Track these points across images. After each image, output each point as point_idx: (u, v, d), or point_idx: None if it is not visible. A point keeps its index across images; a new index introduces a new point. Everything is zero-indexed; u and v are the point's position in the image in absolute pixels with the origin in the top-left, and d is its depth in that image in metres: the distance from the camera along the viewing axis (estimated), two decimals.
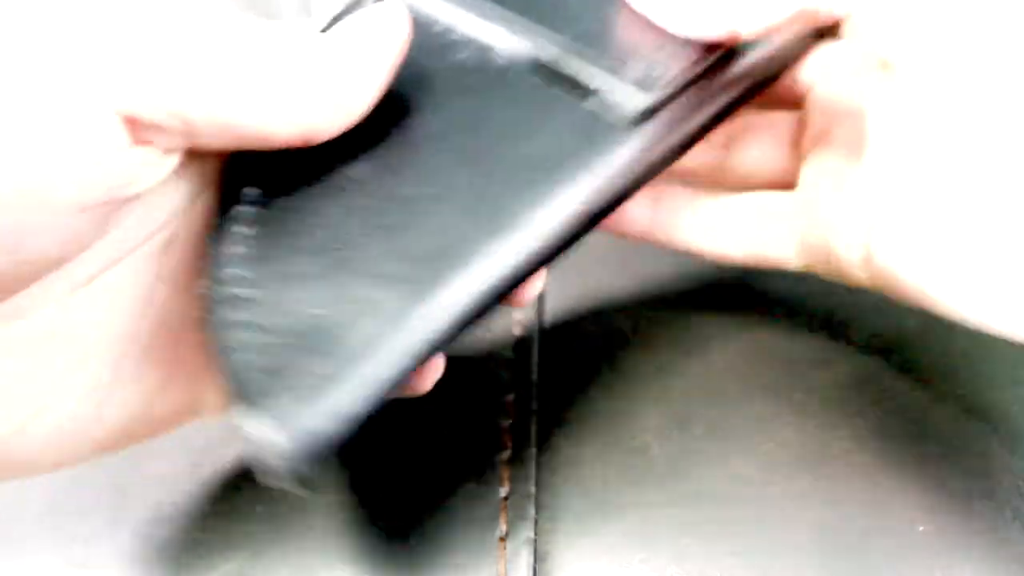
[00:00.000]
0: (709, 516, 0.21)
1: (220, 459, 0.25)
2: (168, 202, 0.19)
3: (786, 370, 0.24)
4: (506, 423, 0.24)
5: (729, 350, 0.25)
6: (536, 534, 0.21)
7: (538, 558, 0.20)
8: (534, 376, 0.25)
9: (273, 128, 0.17)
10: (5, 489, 0.24)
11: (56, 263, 0.17)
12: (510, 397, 0.24)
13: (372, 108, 0.19)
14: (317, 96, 0.18)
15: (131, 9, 0.17)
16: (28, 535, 0.23)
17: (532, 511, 0.21)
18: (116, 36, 0.16)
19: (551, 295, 0.27)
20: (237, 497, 0.23)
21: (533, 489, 0.22)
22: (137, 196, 0.17)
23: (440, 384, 0.25)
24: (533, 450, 0.23)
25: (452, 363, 0.26)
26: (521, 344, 0.26)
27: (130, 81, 0.16)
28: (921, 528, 0.20)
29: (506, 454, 0.23)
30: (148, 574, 0.21)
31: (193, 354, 0.20)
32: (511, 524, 0.21)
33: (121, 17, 0.16)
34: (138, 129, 0.16)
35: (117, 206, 0.17)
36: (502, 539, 0.21)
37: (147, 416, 0.20)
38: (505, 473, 0.22)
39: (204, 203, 0.20)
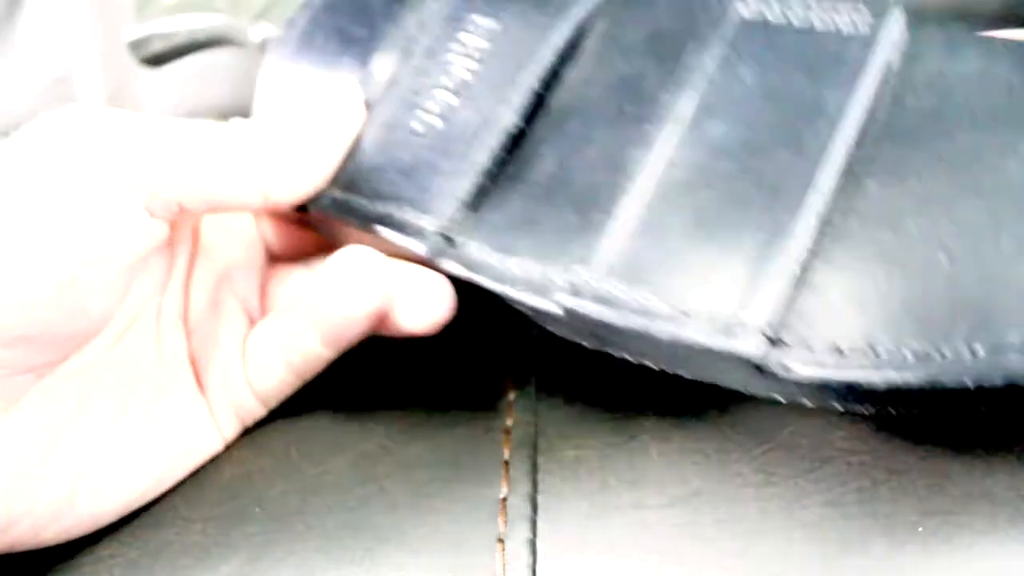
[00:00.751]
0: (709, 517, 0.21)
1: (219, 461, 0.25)
2: (161, 258, 0.25)
3: None
4: (505, 423, 0.24)
5: None
6: (535, 535, 0.21)
7: (537, 559, 0.20)
8: (533, 376, 0.25)
9: (241, 201, 0.23)
10: None
11: (107, 318, 0.23)
12: (510, 397, 0.24)
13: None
14: (273, 176, 0.23)
15: (137, 125, 0.22)
16: None
17: (531, 512, 0.21)
18: (134, 146, 0.22)
19: None
20: (236, 499, 0.23)
21: (532, 490, 0.22)
22: (148, 256, 0.23)
23: (439, 384, 0.25)
24: (532, 451, 0.23)
25: (451, 363, 0.26)
26: (521, 344, 0.26)
27: (147, 177, 0.22)
28: (921, 529, 0.19)
29: (505, 455, 0.23)
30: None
31: (189, 380, 0.25)
32: (510, 525, 0.21)
33: (134, 132, 0.22)
34: (152, 207, 0.22)
35: (141, 266, 0.23)
36: (500, 540, 0.21)
37: (173, 451, 0.24)
38: (504, 474, 0.22)
39: (185, 253, 0.26)
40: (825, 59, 0.21)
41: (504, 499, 0.22)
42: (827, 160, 0.20)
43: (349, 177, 0.25)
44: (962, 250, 0.18)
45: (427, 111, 0.25)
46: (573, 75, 0.24)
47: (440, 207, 0.23)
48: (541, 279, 0.22)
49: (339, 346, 0.24)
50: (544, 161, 0.23)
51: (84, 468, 0.22)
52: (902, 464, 0.21)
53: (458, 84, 0.25)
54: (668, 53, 0.23)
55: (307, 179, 0.24)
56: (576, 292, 0.21)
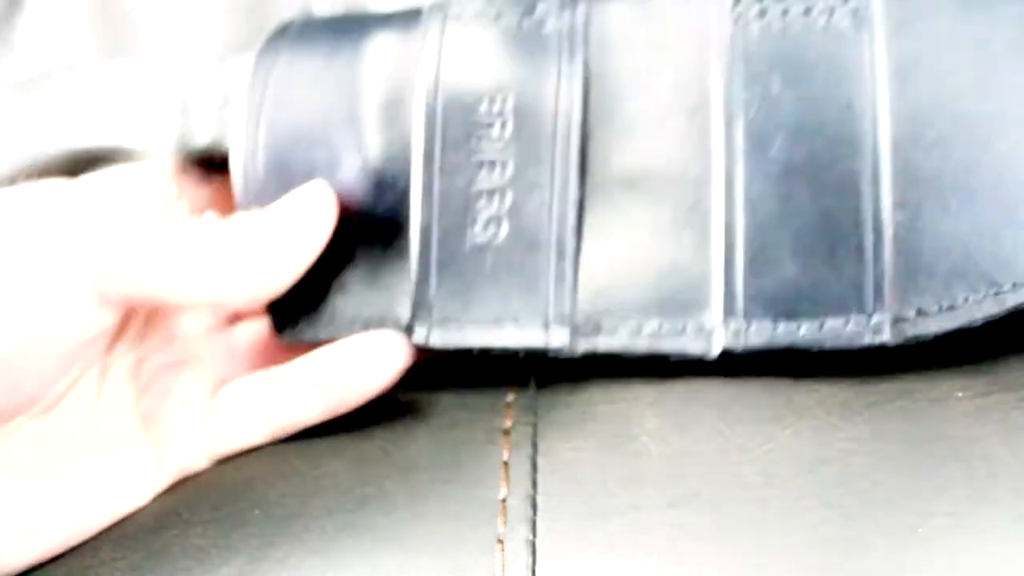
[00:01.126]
0: (709, 518, 0.20)
1: (219, 464, 0.25)
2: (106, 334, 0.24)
3: (786, 372, 0.24)
4: (504, 424, 0.24)
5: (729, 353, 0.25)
6: (534, 535, 0.21)
7: (536, 559, 0.20)
8: (533, 377, 0.25)
9: (192, 302, 0.23)
10: None
11: (42, 396, 0.22)
12: (509, 398, 0.24)
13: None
14: (227, 281, 0.23)
15: (94, 216, 0.22)
16: None
17: (530, 512, 0.21)
18: (90, 238, 0.22)
19: None
20: (236, 502, 0.23)
21: (531, 490, 0.22)
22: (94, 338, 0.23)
23: (439, 385, 0.25)
24: (532, 451, 0.23)
25: (451, 364, 0.26)
26: None
27: (100, 272, 0.22)
28: (920, 530, 0.19)
29: (504, 455, 0.23)
30: None
31: (133, 436, 0.25)
32: (509, 525, 0.21)
33: (89, 223, 0.22)
34: (104, 296, 0.22)
35: (86, 344, 0.23)
36: (500, 540, 0.21)
37: (101, 504, 0.24)
38: (503, 474, 0.22)
39: (142, 313, 0.25)
40: (835, 52, 0.22)
41: (503, 500, 0.22)
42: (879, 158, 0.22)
43: (438, 309, 0.24)
44: None
45: (483, 217, 0.24)
46: (599, 131, 0.24)
47: (555, 310, 0.23)
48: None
49: (337, 413, 0.24)
50: (613, 226, 0.23)
51: (3, 520, 0.22)
52: (903, 466, 0.21)
53: (504, 178, 0.24)
54: (689, 81, 0.23)
55: (265, 287, 0.23)
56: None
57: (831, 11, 0.23)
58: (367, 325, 0.24)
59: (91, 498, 0.23)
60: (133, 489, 0.24)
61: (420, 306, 0.24)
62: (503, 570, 0.20)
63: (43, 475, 0.23)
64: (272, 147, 0.25)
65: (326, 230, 0.24)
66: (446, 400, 0.25)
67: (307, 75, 0.25)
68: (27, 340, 0.21)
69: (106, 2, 0.35)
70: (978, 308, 0.21)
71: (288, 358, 0.25)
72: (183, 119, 0.26)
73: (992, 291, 0.21)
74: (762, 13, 0.23)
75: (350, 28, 0.26)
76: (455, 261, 0.24)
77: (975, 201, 0.21)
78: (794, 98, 0.22)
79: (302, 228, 0.24)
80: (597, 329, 0.23)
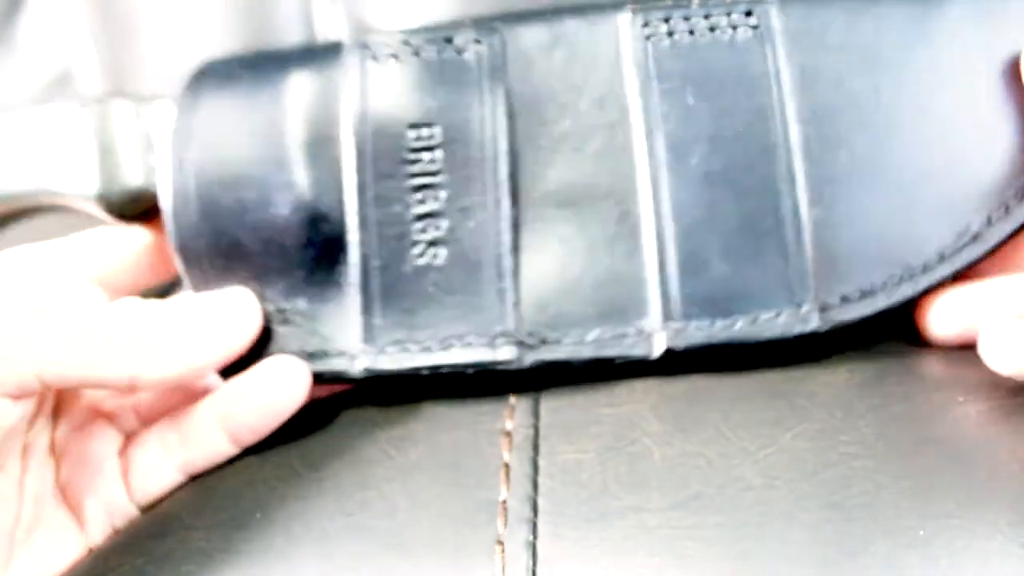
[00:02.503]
0: (710, 520, 0.20)
1: (222, 469, 0.25)
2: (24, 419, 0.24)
3: (787, 375, 0.24)
4: (505, 426, 0.24)
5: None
6: (535, 537, 0.21)
7: (536, 562, 0.20)
8: (534, 379, 0.25)
9: (107, 382, 0.23)
10: None
11: None
12: (510, 400, 0.24)
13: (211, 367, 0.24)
14: (139, 358, 0.23)
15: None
16: None
17: (531, 514, 0.21)
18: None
19: None
20: (237, 505, 0.23)
21: (532, 492, 0.22)
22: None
23: (440, 386, 0.25)
24: (533, 453, 0.23)
25: (451, 367, 0.26)
26: None
27: (10, 364, 0.22)
28: (922, 532, 0.19)
29: (505, 457, 0.23)
30: None
31: (56, 507, 0.25)
32: (509, 527, 0.21)
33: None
34: (16, 390, 0.22)
35: (8, 436, 0.23)
36: (500, 542, 0.21)
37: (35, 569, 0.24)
38: (504, 476, 0.22)
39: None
40: (742, 65, 0.24)
41: (504, 502, 0.22)
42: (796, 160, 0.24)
43: (384, 335, 0.24)
44: None
45: (421, 242, 0.24)
46: (527, 152, 0.25)
47: (500, 326, 0.24)
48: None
49: (248, 443, 0.25)
50: (549, 242, 0.24)
51: None
52: (904, 469, 0.21)
53: (439, 203, 0.24)
54: (607, 98, 0.25)
55: (177, 366, 0.23)
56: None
57: (734, 27, 0.24)
58: (311, 358, 0.25)
59: (26, 567, 0.24)
60: (67, 551, 0.24)
61: (367, 333, 0.24)
62: (503, 572, 0.20)
63: None
64: (202, 191, 0.25)
65: (251, 329, 0.24)
66: (447, 402, 0.25)
67: (231, 117, 0.25)
68: None
69: (106, 2, 0.35)
70: (896, 291, 0.23)
71: (191, 401, 0.25)
72: (105, 162, 0.26)
73: (907, 274, 0.23)
74: (671, 32, 0.25)
75: (269, 67, 0.26)
76: (397, 286, 0.24)
77: (882, 194, 0.24)
78: (708, 109, 0.24)
79: (227, 318, 0.24)
80: (543, 341, 0.24)
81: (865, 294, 0.24)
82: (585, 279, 0.24)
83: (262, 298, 0.25)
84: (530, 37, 0.25)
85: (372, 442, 0.24)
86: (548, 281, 0.24)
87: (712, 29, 0.24)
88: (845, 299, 0.23)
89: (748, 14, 0.24)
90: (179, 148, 0.25)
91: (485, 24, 0.25)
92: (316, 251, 0.25)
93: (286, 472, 0.23)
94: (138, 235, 0.27)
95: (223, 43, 0.34)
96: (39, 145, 0.27)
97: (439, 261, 0.24)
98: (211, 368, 0.24)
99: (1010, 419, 0.21)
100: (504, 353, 0.24)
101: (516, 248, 0.24)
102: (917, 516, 0.20)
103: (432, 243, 0.24)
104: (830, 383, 0.23)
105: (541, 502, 0.21)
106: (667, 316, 0.24)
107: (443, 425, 0.24)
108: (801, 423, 0.22)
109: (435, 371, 0.24)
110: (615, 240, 0.24)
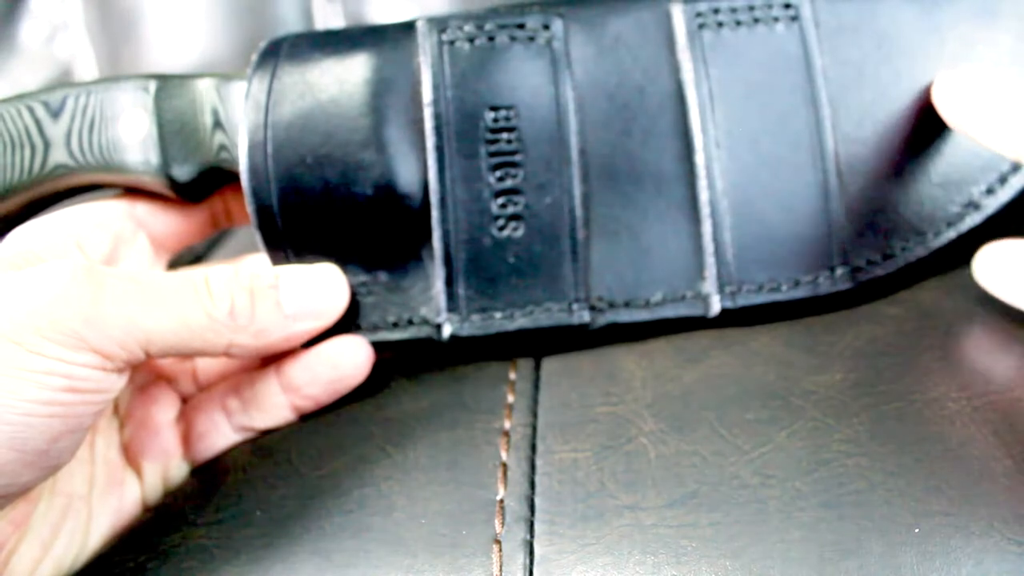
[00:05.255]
0: (705, 519, 0.21)
1: (222, 466, 0.25)
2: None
3: (782, 374, 0.24)
4: (503, 426, 0.24)
5: (726, 355, 0.25)
6: (532, 536, 0.21)
7: (533, 560, 0.21)
8: (532, 379, 0.25)
9: (206, 351, 0.23)
10: None
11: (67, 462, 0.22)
12: (508, 400, 0.25)
13: None
14: (237, 328, 0.23)
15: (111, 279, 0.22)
16: None
17: (528, 513, 0.21)
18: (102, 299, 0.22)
19: None
20: (238, 503, 0.23)
21: (529, 491, 0.22)
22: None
23: (439, 386, 0.25)
24: (530, 452, 0.23)
25: (451, 365, 0.26)
26: (520, 348, 0.26)
27: (115, 330, 0.22)
28: (917, 530, 0.19)
29: (503, 457, 0.23)
30: None
31: (120, 466, 0.25)
32: (507, 526, 0.21)
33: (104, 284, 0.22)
34: (113, 363, 0.22)
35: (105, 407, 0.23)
36: (497, 541, 0.21)
37: (102, 527, 0.25)
38: (501, 475, 0.22)
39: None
40: (784, 53, 0.27)
41: (501, 500, 0.22)
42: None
43: (469, 302, 0.26)
44: None
45: (501, 217, 0.26)
46: (594, 132, 0.27)
47: (575, 293, 0.26)
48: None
49: (306, 412, 0.26)
50: (616, 214, 0.27)
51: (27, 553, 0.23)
52: (899, 466, 0.21)
53: (516, 181, 0.26)
54: (662, 82, 0.27)
55: (272, 336, 0.24)
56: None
57: (775, 19, 0.27)
58: (394, 327, 0.26)
59: (94, 524, 0.24)
60: (128, 506, 0.25)
61: (451, 302, 0.26)
62: (500, 570, 0.20)
63: (47, 515, 0.23)
64: (280, 171, 0.25)
65: (341, 302, 0.26)
66: (445, 401, 0.25)
67: (308, 96, 0.26)
68: (55, 433, 0.21)
69: (106, 2, 0.36)
70: (911, 253, 0.27)
71: (245, 369, 0.26)
72: (172, 139, 0.26)
73: (919, 239, 0.27)
74: (720, 23, 0.27)
75: (342, 47, 0.26)
76: (479, 259, 0.26)
77: (899, 171, 0.27)
78: (756, 95, 0.27)
79: (320, 292, 0.25)
80: (611, 305, 0.26)
81: (887, 257, 0.27)
82: (648, 248, 0.26)
83: (344, 272, 0.26)
84: (590, 24, 0.27)
85: (371, 441, 0.24)
86: (615, 251, 0.26)
87: (756, 20, 0.27)
88: (870, 262, 0.27)
89: (787, 6, 0.27)
90: (255, 128, 0.26)
91: (551, 10, 0.27)
92: (398, 227, 0.26)
93: (286, 470, 0.24)
94: (195, 212, 0.28)
95: (223, 42, 0.34)
96: (104, 120, 0.27)
97: (518, 234, 0.26)
98: (303, 339, 0.25)
99: (1004, 417, 0.21)
100: (579, 317, 0.26)
101: (588, 221, 0.26)
102: (911, 513, 0.20)
103: (512, 217, 0.26)
104: (824, 382, 0.23)
105: (538, 501, 0.22)
106: (722, 280, 0.26)
107: (441, 424, 0.24)
108: (795, 422, 0.22)
109: (519, 332, 0.26)
110: (675, 213, 0.26)
